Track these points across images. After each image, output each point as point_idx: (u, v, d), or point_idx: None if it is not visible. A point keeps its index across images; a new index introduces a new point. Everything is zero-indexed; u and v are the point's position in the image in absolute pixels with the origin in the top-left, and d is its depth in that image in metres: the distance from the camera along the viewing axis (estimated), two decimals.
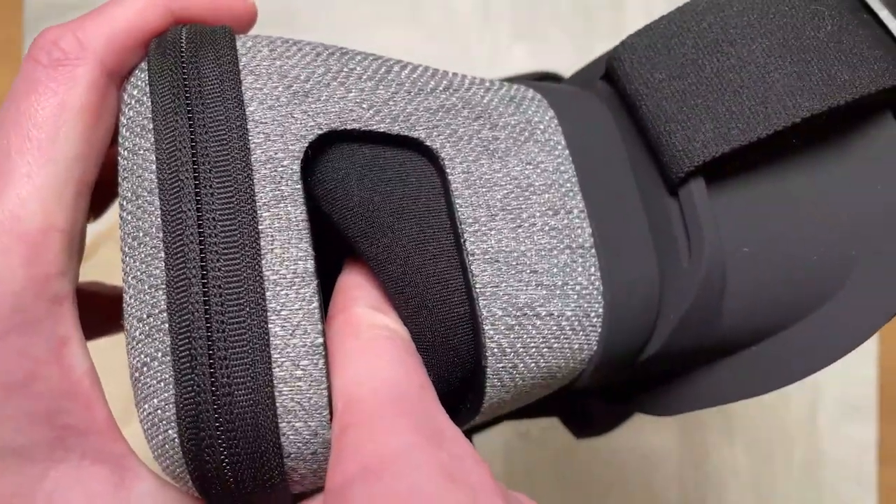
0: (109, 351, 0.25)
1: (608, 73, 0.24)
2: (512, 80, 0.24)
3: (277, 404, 0.18)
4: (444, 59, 0.46)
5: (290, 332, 0.18)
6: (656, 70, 0.22)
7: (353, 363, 0.18)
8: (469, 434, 0.27)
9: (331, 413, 0.18)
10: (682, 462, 0.44)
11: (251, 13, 0.22)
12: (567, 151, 0.22)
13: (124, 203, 0.19)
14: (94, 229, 0.28)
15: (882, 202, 0.21)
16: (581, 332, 0.21)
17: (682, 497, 0.44)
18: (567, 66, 0.46)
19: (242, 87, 0.19)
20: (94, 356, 0.20)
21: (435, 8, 0.46)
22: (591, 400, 0.29)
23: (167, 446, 0.18)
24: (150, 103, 0.19)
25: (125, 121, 0.20)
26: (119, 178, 0.20)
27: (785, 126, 0.21)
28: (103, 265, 0.40)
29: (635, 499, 0.45)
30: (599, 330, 0.21)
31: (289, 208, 0.19)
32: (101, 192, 0.23)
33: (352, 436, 0.17)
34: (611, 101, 0.24)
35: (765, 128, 0.21)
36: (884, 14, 0.22)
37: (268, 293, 0.18)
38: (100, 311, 0.26)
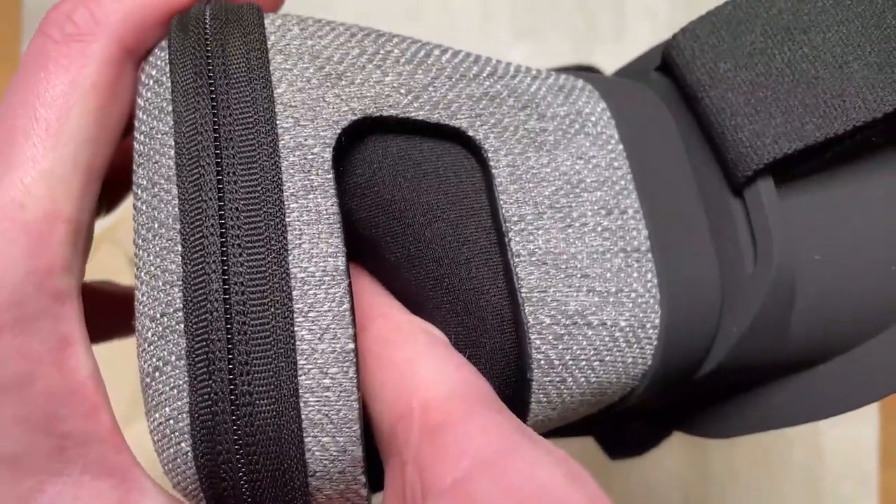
0: (111, 348, 0.24)
1: (665, 64, 0.22)
2: (557, 70, 0.23)
3: (303, 416, 0.16)
4: None
5: (319, 336, 0.16)
6: (721, 59, 0.20)
7: (420, 367, 0.17)
8: None
9: (361, 427, 0.17)
10: (683, 464, 0.44)
11: None
12: (620, 146, 0.20)
13: (139, 192, 0.18)
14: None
15: None
16: (636, 345, 0.19)
17: (682, 499, 0.44)
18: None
19: (271, 68, 0.18)
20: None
21: (435, 8, 0.46)
22: (632, 421, 0.27)
23: (179, 460, 0.16)
24: (169, 84, 0.18)
25: (142, 103, 0.18)
26: (134, 165, 0.18)
27: (865, 122, 0.19)
28: (104, 266, 0.40)
29: (636, 500, 0.45)
30: (655, 342, 0.20)
31: (319, 200, 0.17)
32: (115, 182, 0.21)
33: (451, 433, 0.16)
34: (667, 93, 0.22)
35: (842, 123, 0.19)
36: None
37: (294, 292, 0.16)
38: (108, 312, 0.24)
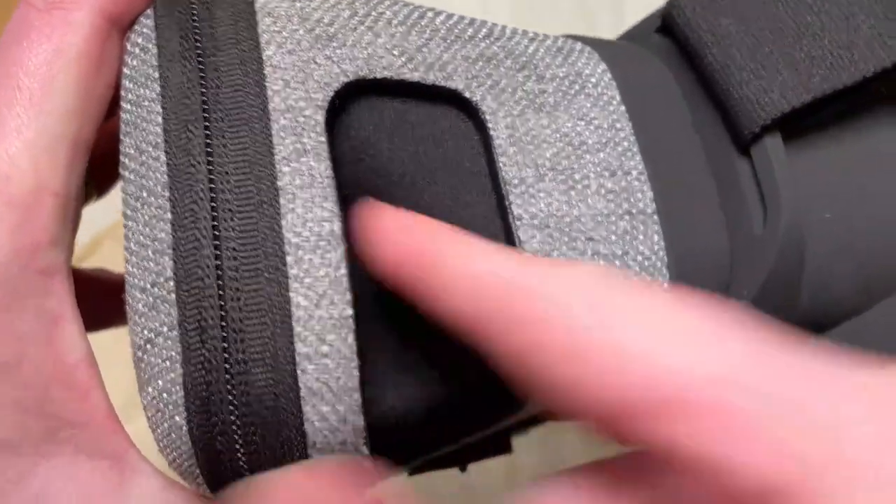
0: (109, 337, 0.23)
1: (665, 25, 0.22)
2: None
3: (300, 384, 0.15)
4: None
5: (315, 302, 0.16)
6: (722, 15, 0.20)
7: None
8: (510, 432, 0.25)
9: (362, 395, 0.16)
10: None
11: None
12: (623, 108, 0.20)
13: (126, 161, 0.17)
14: (94, 227, 0.28)
15: None
16: None
17: None
18: None
19: (259, 30, 0.17)
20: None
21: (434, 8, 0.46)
22: None
23: (173, 434, 0.16)
24: (155, 50, 0.17)
25: (128, 71, 0.18)
26: (121, 135, 0.18)
27: (874, 72, 0.19)
28: (103, 264, 0.40)
29: None
30: None
31: (312, 163, 0.17)
32: (104, 165, 0.21)
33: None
34: (669, 55, 0.22)
35: (851, 74, 0.19)
36: None
37: (289, 258, 0.16)
38: (102, 299, 0.23)
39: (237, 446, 0.15)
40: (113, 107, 0.19)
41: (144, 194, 0.17)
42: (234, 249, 0.16)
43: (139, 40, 0.18)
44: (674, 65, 0.21)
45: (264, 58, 0.17)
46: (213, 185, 0.16)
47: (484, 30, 0.20)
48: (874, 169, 0.20)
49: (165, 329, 0.16)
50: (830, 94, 0.19)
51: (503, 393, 0.18)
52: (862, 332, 0.20)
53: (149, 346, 0.16)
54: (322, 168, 0.17)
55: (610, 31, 0.46)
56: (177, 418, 0.16)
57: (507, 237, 0.18)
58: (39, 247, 0.17)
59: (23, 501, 0.17)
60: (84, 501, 0.17)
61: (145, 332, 0.16)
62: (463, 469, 0.24)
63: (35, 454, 0.17)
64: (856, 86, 0.19)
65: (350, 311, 0.16)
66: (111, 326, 0.24)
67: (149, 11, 0.18)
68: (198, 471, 0.16)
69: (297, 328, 0.15)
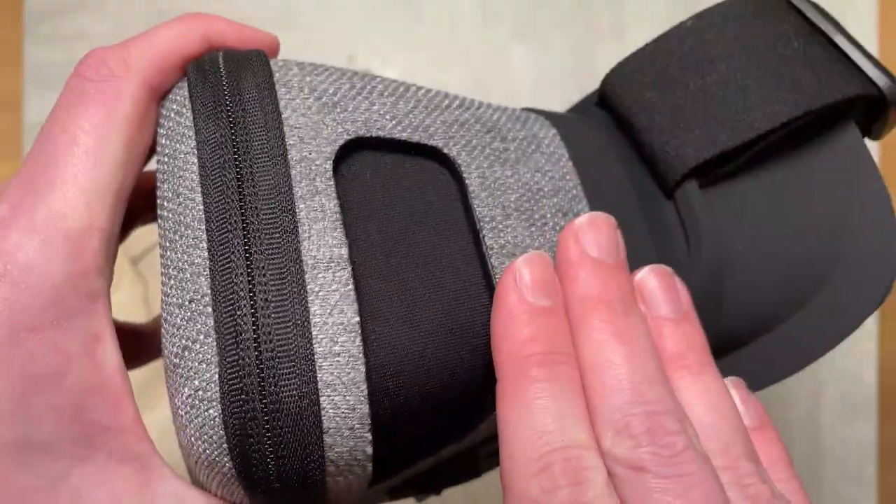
0: None
1: (601, 99, 0.27)
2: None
3: (318, 378, 0.18)
4: (443, 59, 0.46)
5: (329, 311, 0.19)
6: (645, 89, 0.25)
7: None
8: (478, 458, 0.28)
9: (367, 388, 0.19)
10: None
11: (275, 44, 0.24)
12: (570, 163, 0.24)
13: (164, 203, 0.20)
14: None
15: (852, 201, 0.24)
16: None
17: None
18: (566, 66, 0.46)
19: (278, 97, 0.21)
20: None
21: (435, 8, 0.46)
22: None
23: (206, 427, 0.18)
24: (189, 113, 0.21)
25: (164, 131, 0.21)
26: (158, 183, 0.21)
27: (766, 130, 0.23)
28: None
29: None
30: None
31: (323, 201, 0.20)
32: (126, 217, 0.24)
33: None
34: (606, 123, 0.26)
35: (749, 132, 0.23)
36: (838, 38, 0.24)
37: (307, 275, 0.19)
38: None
39: (265, 429, 0.18)
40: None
41: (182, 228, 0.20)
42: (263, 268, 0.19)
43: (174, 106, 0.21)
44: (610, 131, 0.26)
45: (283, 119, 0.21)
46: (244, 217, 0.19)
47: (457, 101, 0.24)
48: (775, 209, 0.24)
49: (202, 337, 0.19)
50: (733, 148, 0.23)
51: (485, 397, 0.22)
52: (739, 363, 0.24)
53: (185, 353, 0.19)
54: (331, 205, 0.20)
55: (610, 30, 0.46)
56: (211, 411, 0.18)
57: (482, 264, 0.22)
58: (88, 273, 0.19)
59: (61, 500, 0.19)
60: (114, 502, 0.19)
61: (182, 340, 0.19)
62: (438, 493, 0.28)
63: (73, 457, 0.19)
64: (752, 140, 0.23)
65: (357, 319, 0.19)
66: (131, 368, 0.26)
67: (182, 83, 0.22)
68: (226, 459, 0.18)
69: (315, 332, 0.19)
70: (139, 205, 0.24)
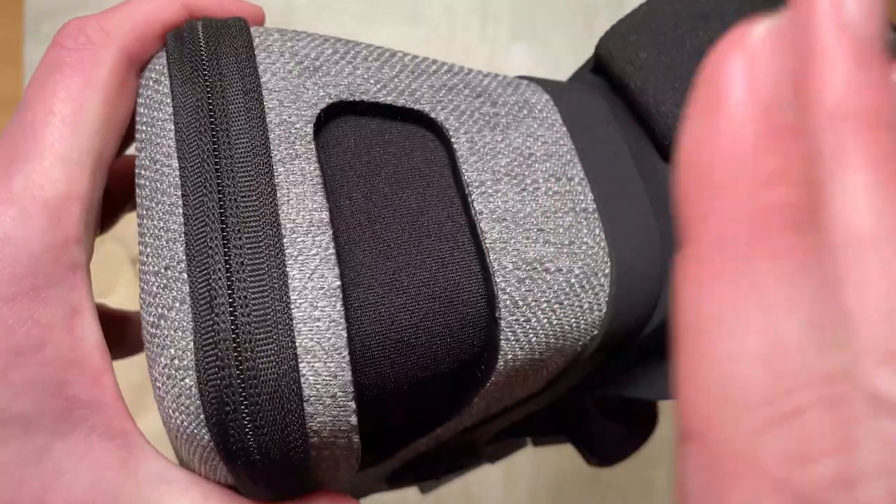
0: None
1: (597, 65, 0.26)
2: None
3: (297, 344, 0.18)
4: (444, 59, 0.46)
5: (308, 275, 0.18)
6: (640, 50, 0.24)
7: None
8: (498, 439, 0.27)
9: (349, 353, 0.18)
10: None
11: (260, 16, 0.24)
12: (564, 128, 0.23)
13: (141, 171, 0.20)
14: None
15: None
16: (590, 291, 0.22)
17: None
18: (567, 65, 0.46)
19: (257, 61, 0.21)
20: None
21: (435, 8, 0.46)
22: (606, 426, 0.29)
23: (183, 397, 0.18)
24: (167, 80, 0.20)
25: (142, 100, 0.21)
26: (136, 151, 0.21)
27: None
28: (104, 264, 0.40)
29: (632, 495, 0.45)
30: (607, 290, 0.22)
31: (303, 164, 0.20)
32: (110, 203, 0.23)
33: None
34: (601, 87, 0.26)
35: None
36: None
37: (285, 240, 0.18)
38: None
39: (241, 397, 0.17)
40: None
41: (158, 195, 0.19)
42: (238, 232, 0.18)
43: (153, 75, 0.21)
44: (605, 95, 0.25)
45: (262, 83, 0.20)
46: (219, 182, 0.19)
47: (445, 66, 0.23)
48: None
49: (177, 304, 0.18)
50: None
51: (477, 367, 0.21)
52: None
53: (161, 321, 0.18)
54: (311, 169, 0.20)
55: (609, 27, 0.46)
56: (187, 380, 0.18)
57: (472, 229, 0.21)
58: (68, 244, 0.19)
59: (41, 476, 0.18)
60: (96, 477, 0.19)
61: (158, 308, 0.18)
62: (438, 478, 0.27)
63: (52, 432, 0.18)
64: None
65: (338, 283, 0.18)
66: (119, 358, 0.25)
67: (161, 52, 0.22)
68: (203, 431, 0.18)
69: (294, 296, 0.18)
70: (128, 188, 0.23)
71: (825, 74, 0.11)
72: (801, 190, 0.11)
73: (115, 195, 0.23)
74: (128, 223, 0.42)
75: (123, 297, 0.43)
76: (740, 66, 0.12)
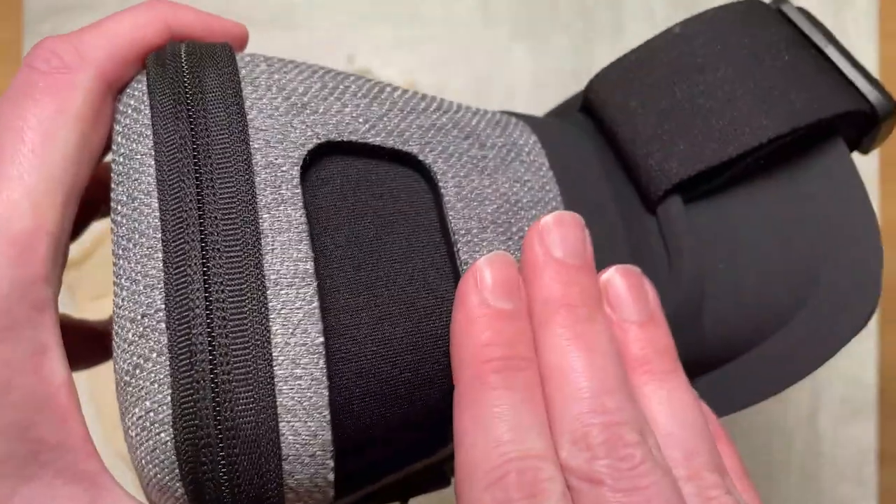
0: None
1: (585, 105, 0.25)
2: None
3: (278, 403, 0.17)
4: (444, 59, 0.46)
5: (291, 331, 0.18)
6: (630, 98, 0.24)
7: None
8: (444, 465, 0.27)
9: (330, 413, 0.18)
10: None
11: (244, 36, 0.23)
12: (551, 173, 0.23)
13: (118, 207, 0.19)
14: (94, 228, 0.28)
15: (837, 220, 0.23)
16: None
17: None
18: (566, 66, 0.46)
19: (243, 95, 0.20)
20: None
21: (435, 8, 0.46)
22: None
23: (157, 451, 0.17)
24: (148, 111, 0.19)
25: (120, 129, 0.20)
26: (112, 184, 0.20)
27: (753, 146, 0.22)
28: (103, 264, 0.40)
29: None
30: None
31: (289, 211, 0.19)
32: (82, 211, 0.22)
33: None
34: (588, 130, 0.25)
35: (735, 148, 0.22)
36: (829, 50, 0.23)
37: (269, 292, 0.18)
38: (79, 345, 0.25)
39: (219, 457, 0.17)
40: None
41: (136, 236, 0.18)
42: (221, 284, 0.18)
43: (132, 102, 0.20)
44: (593, 138, 0.25)
45: (248, 120, 0.19)
46: (203, 228, 0.18)
47: (434, 104, 0.23)
48: (758, 226, 0.23)
49: (154, 355, 0.17)
50: (718, 163, 0.22)
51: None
52: (716, 383, 0.23)
53: (137, 371, 0.18)
54: (297, 216, 0.19)
55: (609, 30, 0.46)
56: (163, 435, 0.17)
57: (456, 279, 0.20)
58: (35, 281, 0.18)
59: None
60: None
61: (134, 357, 0.18)
62: (404, 502, 0.26)
63: (17, 477, 0.18)
64: (739, 156, 0.22)
65: (321, 339, 0.18)
66: (83, 368, 0.26)
67: (140, 76, 0.20)
68: (178, 484, 0.17)
69: (275, 353, 0.17)
70: (97, 197, 0.23)
71: (539, 278, 0.19)
72: (506, 350, 0.18)
73: (84, 204, 0.22)
74: None
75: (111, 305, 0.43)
76: (484, 276, 0.19)
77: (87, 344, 0.27)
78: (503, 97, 0.45)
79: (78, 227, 0.25)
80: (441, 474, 0.26)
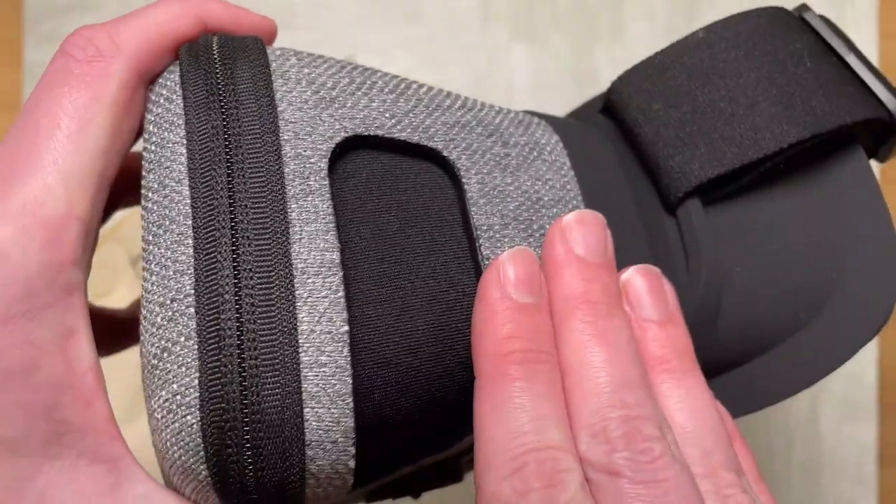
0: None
1: (606, 107, 0.26)
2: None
3: (302, 389, 0.18)
4: (444, 59, 0.46)
5: (317, 318, 0.18)
6: (653, 100, 0.24)
7: None
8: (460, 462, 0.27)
9: (353, 400, 0.18)
10: None
11: (273, 30, 0.23)
12: (572, 172, 0.23)
13: (149, 194, 0.20)
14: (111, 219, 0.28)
15: (854, 227, 0.23)
16: None
17: None
18: (566, 66, 0.46)
19: (273, 88, 0.20)
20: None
21: (435, 8, 0.46)
22: None
23: (184, 433, 0.18)
24: (180, 101, 0.20)
25: (152, 117, 0.20)
26: (144, 171, 0.20)
27: (774, 151, 0.22)
28: (104, 264, 0.40)
29: None
30: None
31: (316, 202, 0.19)
32: (109, 199, 0.22)
33: None
34: (609, 132, 0.25)
35: (756, 152, 0.22)
36: (850, 58, 0.24)
37: (296, 280, 0.18)
38: (105, 331, 0.25)
39: (244, 440, 0.17)
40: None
41: (167, 222, 0.19)
42: (250, 271, 0.18)
43: (164, 92, 0.20)
44: (614, 140, 0.25)
45: (278, 112, 0.20)
46: (233, 216, 0.18)
47: (459, 101, 0.23)
48: (776, 231, 0.24)
49: (182, 339, 0.18)
50: (739, 167, 0.23)
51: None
52: (732, 383, 0.24)
53: (165, 354, 0.18)
54: (325, 206, 0.19)
55: (609, 31, 0.46)
56: (189, 418, 0.17)
57: (478, 274, 0.21)
58: (64, 265, 0.19)
59: (26, 500, 0.18)
60: (83, 502, 0.18)
61: (162, 341, 0.18)
62: (416, 496, 0.27)
63: (41, 456, 0.18)
64: (759, 160, 0.23)
65: (346, 328, 0.18)
66: (101, 356, 0.25)
67: (173, 67, 0.21)
68: (202, 467, 0.18)
69: (301, 340, 0.18)
70: (123, 186, 0.23)
71: (561, 275, 0.20)
72: (527, 343, 0.19)
73: (110, 193, 0.23)
74: (128, 224, 0.42)
75: (123, 298, 0.43)
76: (506, 270, 0.20)
77: (105, 331, 0.27)
78: (503, 97, 0.45)
79: (104, 214, 0.25)
80: (454, 469, 0.26)
